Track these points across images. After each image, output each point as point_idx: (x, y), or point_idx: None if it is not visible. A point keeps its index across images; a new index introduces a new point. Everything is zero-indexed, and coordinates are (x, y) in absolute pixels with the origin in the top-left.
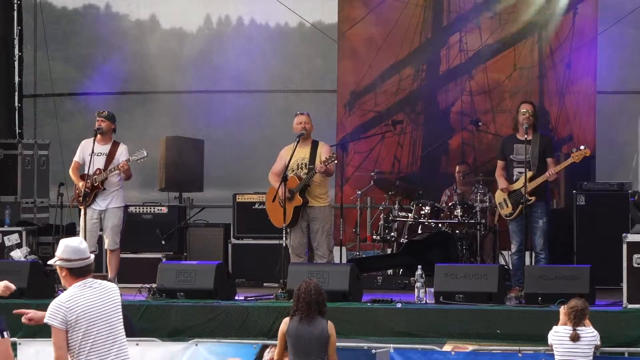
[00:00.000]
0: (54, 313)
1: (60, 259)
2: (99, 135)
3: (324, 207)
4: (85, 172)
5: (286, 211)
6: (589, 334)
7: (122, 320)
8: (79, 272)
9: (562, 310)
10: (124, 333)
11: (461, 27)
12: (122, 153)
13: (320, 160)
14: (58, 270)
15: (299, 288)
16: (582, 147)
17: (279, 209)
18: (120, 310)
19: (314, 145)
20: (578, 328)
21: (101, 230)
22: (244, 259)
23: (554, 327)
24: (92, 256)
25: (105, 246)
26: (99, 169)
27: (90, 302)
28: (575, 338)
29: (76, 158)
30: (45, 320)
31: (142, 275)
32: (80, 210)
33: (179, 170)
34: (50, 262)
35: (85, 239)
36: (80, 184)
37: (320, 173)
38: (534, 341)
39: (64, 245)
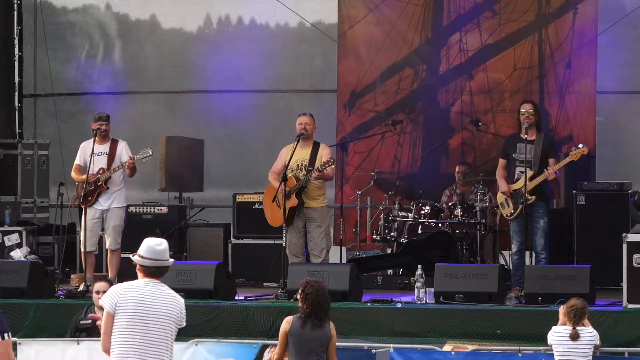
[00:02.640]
0: (108, 296)
1: (138, 255)
2: (98, 136)
3: (322, 207)
4: (87, 172)
5: (281, 211)
6: (589, 333)
7: (168, 331)
8: (152, 272)
9: (562, 310)
10: (164, 344)
11: (461, 27)
12: (122, 149)
13: (320, 162)
14: (137, 267)
15: (310, 291)
16: (580, 146)
17: (274, 208)
18: (169, 322)
19: (315, 147)
20: (577, 327)
21: (102, 230)
22: (244, 259)
23: (553, 327)
24: (170, 261)
25: (107, 246)
26: (102, 168)
27: (143, 299)
28: (575, 337)
29: (77, 161)
30: (100, 301)
31: None
32: (81, 209)
33: (179, 170)
34: (131, 256)
35: (85, 238)
36: (83, 176)
37: (317, 179)
38: (534, 341)
39: (146, 245)
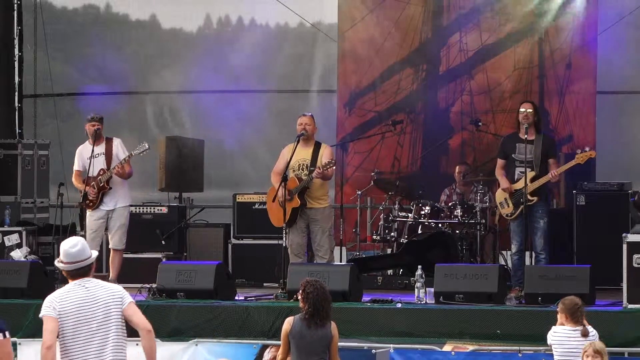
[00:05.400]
0: (47, 306)
1: (59, 261)
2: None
3: (324, 208)
4: (88, 175)
5: (285, 211)
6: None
7: (117, 321)
8: (75, 274)
9: (560, 310)
10: (119, 334)
11: (461, 27)
12: (118, 146)
13: (320, 162)
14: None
15: (310, 291)
16: (587, 149)
17: (277, 208)
18: (115, 311)
19: (316, 147)
20: (585, 323)
21: (105, 229)
22: (244, 259)
23: (553, 328)
24: (90, 257)
25: (111, 245)
26: (102, 169)
27: (80, 302)
28: (585, 333)
29: (76, 167)
30: (40, 315)
31: (142, 275)
32: (82, 211)
33: (179, 170)
34: (56, 262)
35: (87, 239)
36: (87, 188)
37: (318, 178)
38: (534, 341)
39: (62, 248)
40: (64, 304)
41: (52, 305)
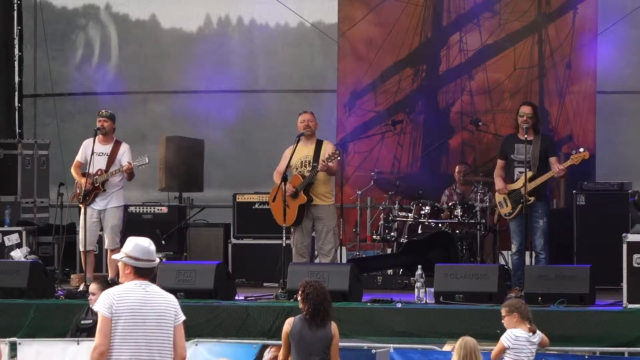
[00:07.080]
0: (103, 301)
1: (128, 256)
2: (100, 135)
3: (329, 205)
4: (87, 171)
5: (290, 210)
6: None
7: (168, 331)
8: (143, 272)
9: (508, 313)
10: (165, 345)
11: (461, 27)
12: (124, 152)
13: (324, 157)
14: (121, 267)
15: (310, 291)
16: (581, 150)
17: (281, 208)
18: (168, 322)
19: (319, 144)
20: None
21: (101, 230)
22: (244, 259)
23: (513, 331)
24: (157, 260)
25: (105, 246)
26: (100, 169)
27: (137, 303)
28: (534, 330)
29: (78, 157)
30: (94, 307)
31: None
32: (80, 209)
33: (179, 170)
34: (115, 256)
35: (85, 237)
36: (82, 180)
37: (323, 171)
38: None
39: (134, 244)
40: (122, 302)
41: (110, 302)
